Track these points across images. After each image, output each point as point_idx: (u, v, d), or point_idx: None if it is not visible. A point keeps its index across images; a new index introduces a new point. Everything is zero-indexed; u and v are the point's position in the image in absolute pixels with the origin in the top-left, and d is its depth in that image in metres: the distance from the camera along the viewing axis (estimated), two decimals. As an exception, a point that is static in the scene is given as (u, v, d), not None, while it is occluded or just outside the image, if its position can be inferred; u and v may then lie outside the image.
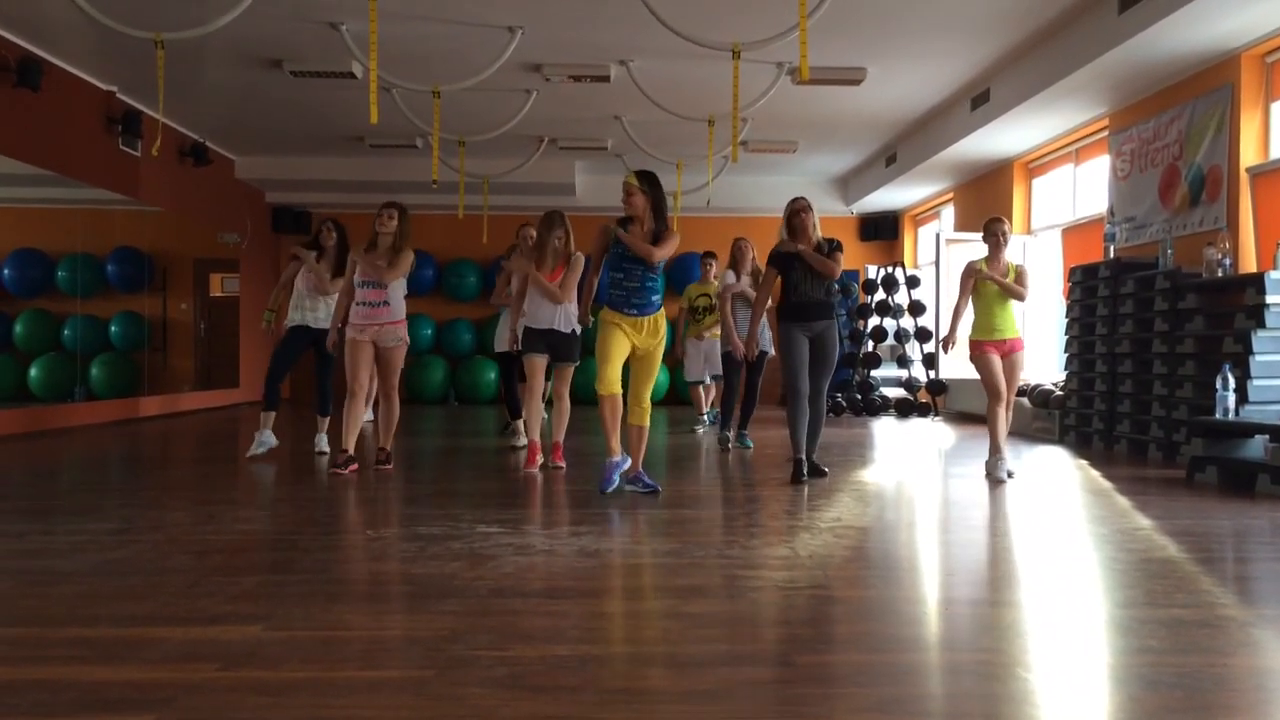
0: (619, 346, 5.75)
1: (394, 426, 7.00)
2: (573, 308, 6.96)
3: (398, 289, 6.85)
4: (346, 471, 6.61)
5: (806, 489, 6.10)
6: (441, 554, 4.07)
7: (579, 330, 6.93)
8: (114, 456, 8.07)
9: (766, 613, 3.28)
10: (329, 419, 8.03)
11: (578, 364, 7.08)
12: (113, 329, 12.30)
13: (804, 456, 6.47)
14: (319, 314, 7.73)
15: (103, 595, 3.42)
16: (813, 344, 6.52)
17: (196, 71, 9.96)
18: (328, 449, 7.80)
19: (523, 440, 8.21)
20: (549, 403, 7.53)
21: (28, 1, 8.18)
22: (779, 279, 6.61)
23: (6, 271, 11.67)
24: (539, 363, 6.90)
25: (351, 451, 6.73)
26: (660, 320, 5.82)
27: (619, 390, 5.81)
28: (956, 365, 11.26)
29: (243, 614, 3.18)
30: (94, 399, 11.53)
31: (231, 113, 11.88)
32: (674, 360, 10.43)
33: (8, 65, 8.95)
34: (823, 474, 6.63)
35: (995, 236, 6.82)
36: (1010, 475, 6.70)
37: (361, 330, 6.76)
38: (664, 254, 5.66)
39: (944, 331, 7.25)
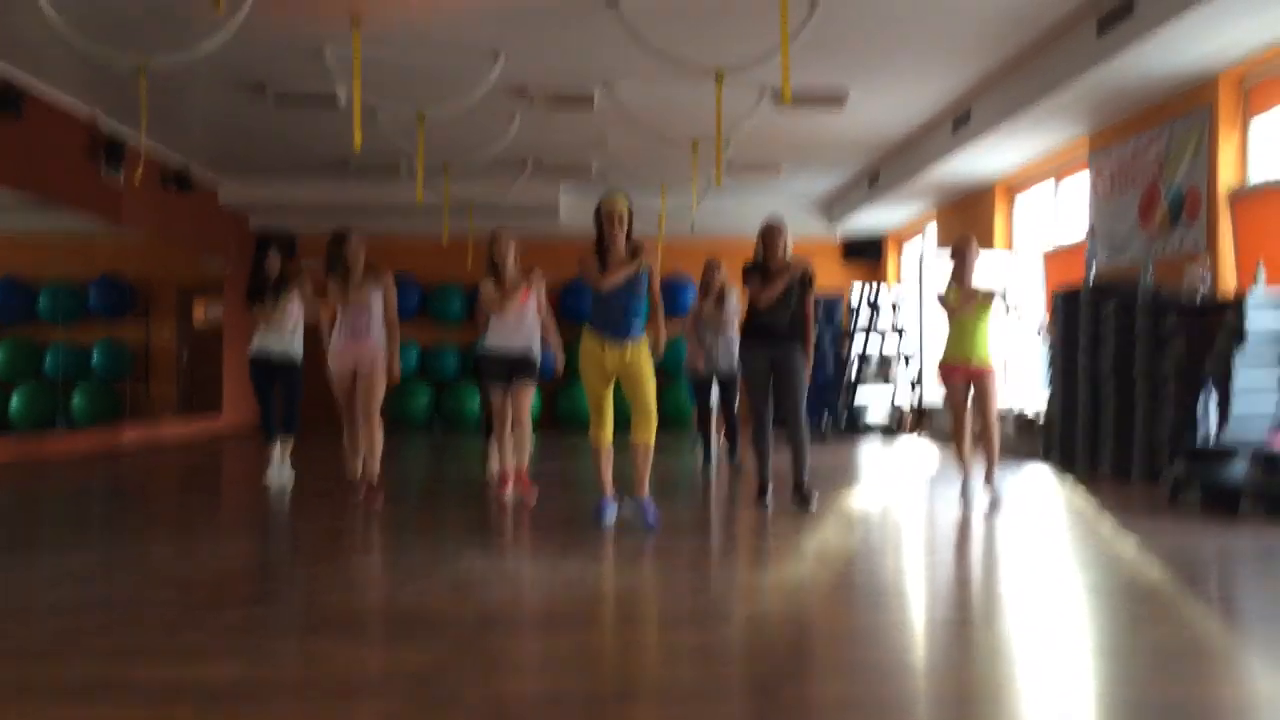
0: (606, 387, 5.66)
1: (378, 453, 6.91)
2: (537, 331, 6.87)
3: (378, 315, 6.82)
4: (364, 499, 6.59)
5: (796, 515, 6.07)
6: (425, 585, 4.04)
7: (538, 353, 6.87)
8: (95, 487, 8.00)
9: (752, 641, 3.26)
10: (292, 442, 7.74)
11: (536, 383, 6.92)
12: (95, 357, 12.24)
13: (768, 482, 6.42)
14: (277, 348, 7.64)
15: (82, 631, 3.38)
16: (775, 368, 6.40)
17: (180, 97, 9.94)
18: (289, 481, 7.60)
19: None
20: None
21: (9, 27, 8.15)
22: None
23: (-13, 299, 11.61)
24: (500, 392, 6.74)
25: (359, 476, 6.75)
26: (641, 347, 5.67)
27: (611, 440, 5.74)
28: (941, 388, 11.29)
29: (226, 648, 3.15)
30: (75, 428, 11.45)
31: (215, 138, 11.86)
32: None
33: (-11, 92, 8.93)
34: (807, 505, 6.27)
35: (959, 256, 6.80)
36: (993, 503, 6.58)
37: (341, 357, 6.74)
38: (658, 295, 5.76)
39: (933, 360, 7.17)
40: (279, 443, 7.74)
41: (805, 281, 6.43)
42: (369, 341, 6.76)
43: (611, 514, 5.67)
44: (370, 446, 6.81)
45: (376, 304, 6.78)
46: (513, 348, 6.73)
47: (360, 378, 6.78)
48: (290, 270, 7.77)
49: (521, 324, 6.77)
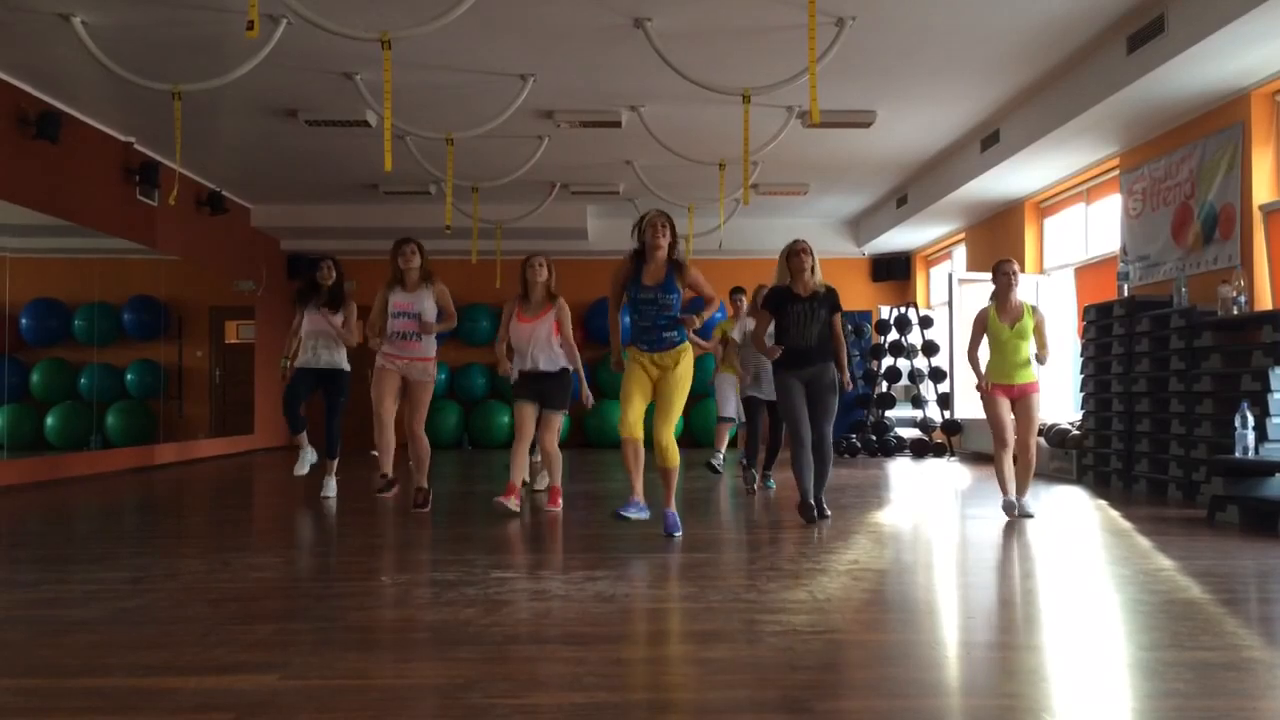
0: (640, 385, 5.84)
1: (426, 464, 7.06)
2: (562, 353, 6.94)
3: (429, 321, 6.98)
4: (390, 495, 6.77)
5: (822, 531, 6.05)
6: (457, 600, 4.04)
7: (569, 372, 6.95)
8: (129, 504, 8.07)
9: (785, 657, 3.24)
10: (336, 461, 8.04)
11: (566, 412, 7.04)
12: (129, 377, 12.36)
13: (810, 499, 6.43)
14: (325, 356, 7.87)
15: (117, 644, 3.40)
16: (808, 388, 6.48)
17: (213, 122, 10.08)
18: (333, 494, 7.79)
19: (543, 483, 8.17)
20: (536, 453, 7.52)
21: (48, 55, 8.31)
22: (771, 321, 6.68)
23: (24, 321, 11.74)
24: (528, 411, 6.81)
25: (390, 474, 6.90)
26: (681, 354, 5.84)
27: (640, 434, 5.88)
28: (972, 405, 11.21)
29: (258, 663, 3.16)
30: (110, 447, 11.56)
31: (247, 162, 12.01)
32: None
33: (27, 118, 9.07)
34: (826, 517, 6.55)
35: (1005, 277, 6.81)
36: (1030, 515, 6.63)
37: (392, 360, 6.88)
38: (711, 291, 5.96)
39: (974, 380, 7.10)
40: (325, 461, 8.00)
41: (832, 304, 6.53)
42: (419, 347, 6.89)
43: (635, 510, 5.84)
44: (418, 458, 6.96)
45: (430, 310, 6.89)
46: (536, 367, 6.82)
47: (412, 384, 6.90)
48: (345, 289, 8.03)
49: (537, 341, 6.79)
